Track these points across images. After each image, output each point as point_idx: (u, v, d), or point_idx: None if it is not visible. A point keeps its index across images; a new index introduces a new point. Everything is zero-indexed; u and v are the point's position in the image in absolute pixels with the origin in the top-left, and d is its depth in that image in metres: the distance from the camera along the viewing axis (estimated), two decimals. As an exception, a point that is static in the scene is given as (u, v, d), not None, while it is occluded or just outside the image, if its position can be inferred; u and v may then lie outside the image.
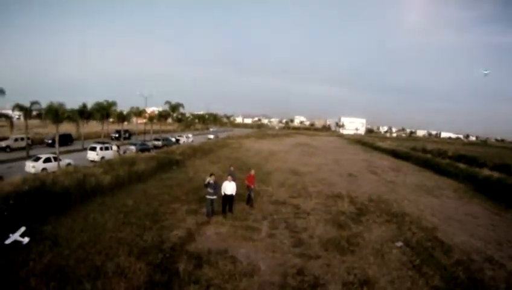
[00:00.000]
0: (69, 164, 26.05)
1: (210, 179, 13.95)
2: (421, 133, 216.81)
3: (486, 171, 31.55)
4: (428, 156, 47.52)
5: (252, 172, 17.11)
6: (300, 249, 11.37)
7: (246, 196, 16.58)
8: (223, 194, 14.28)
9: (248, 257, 10.32)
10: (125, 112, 58.20)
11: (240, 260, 10.01)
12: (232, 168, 18.37)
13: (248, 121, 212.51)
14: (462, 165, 36.43)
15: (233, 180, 15.10)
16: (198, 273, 8.88)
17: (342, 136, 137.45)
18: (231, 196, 14.51)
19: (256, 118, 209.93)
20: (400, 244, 12.55)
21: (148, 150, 36.91)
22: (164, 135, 56.14)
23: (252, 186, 16.44)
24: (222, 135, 76.91)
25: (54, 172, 19.27)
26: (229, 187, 14.40)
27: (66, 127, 41.08)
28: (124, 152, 34.37)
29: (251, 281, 8.74)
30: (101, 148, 31.39)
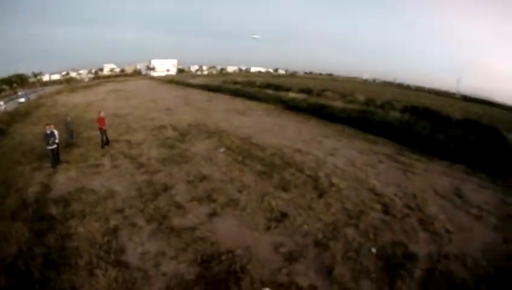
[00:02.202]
0: None
1: (48, 130, 14.84)
2: (231, 69, 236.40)
3: (292, 94, 38.75)
4: (238, 86, 53.71)
5: (101, 114, 18.26)
6: (144, 169, 13.79)
7: (99, 138, 18.23)
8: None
9: (103, 185, 12.11)
10: None
11: (97, 190, 11.70)
12: (69, 118, 19.23)
13: (56, 77, 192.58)
14: (270, 91, 43.38)
15: (71, 130, 18.04)
16: (70, 210, 10.17)
17: (153, 78, 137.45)
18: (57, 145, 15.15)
19: (64, 73, 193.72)
20: (222, 149, 16.02)
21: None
22: (-29, 109, 50.57)
23: (104, 128, 18.01)
24: (33, 97, 73.50)
25: None
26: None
27: None
28: None
29: (114, 200, 10.75)
30: None
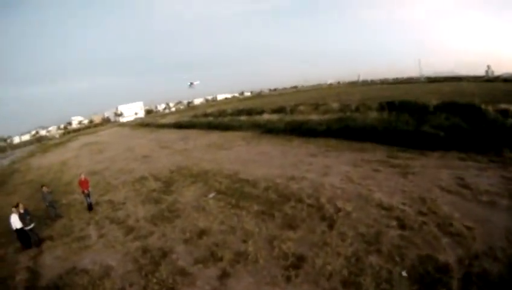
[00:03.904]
0: None
1: (17, 211, 13.94)
2: (198, 101, 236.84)
3: (266, 116, 38.58)
4: (210, 118, 53.34)
5: (83, 177, 17.76)
6: (134, 233, 12.87)
7: (84, 203, 17.60)
8: (14, 228, 13.81)
9: (95, 262, 11.19)
10: None
11: (90, 268, 10.83)
12: (45, 188, 17.64)
13: (26, 137, 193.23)
14: (243, 118, 43.17)
15: (51, 200, 16.96)
16: None
17: (123, 124, 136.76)
18: (21, 229, 13.89)
19: (33, 132, 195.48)
20: (212, 195, 15.24)
21: None
22: None
23: (87, 191, 17.33)
24: (6, 162, 71.39)
25: None
26: (16, 221, 13.76)
27: None
28: None
29: (111, 279, 9.84)
30: None
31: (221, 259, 9.42)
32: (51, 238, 14.45)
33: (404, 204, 10.75)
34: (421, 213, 9.99)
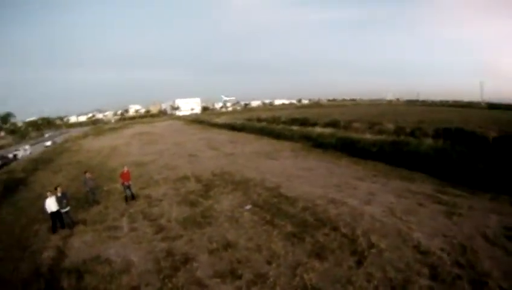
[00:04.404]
0: None
1: (52, 194, 14.58)
2: (255, 103, 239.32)
3: (319, 129, 38.08)
4: (264, 124, 53.68)
5: (125, 169, 18.42)
6: (163, 234, 13.00)
7: (124, 194, 18.22)
8: (49, 211, 14.47)
9: (119, 254, 11.55)
10: None
11: (113, 260, 11.17)
12: (87, 175, 18.45)
13: (83, 118, 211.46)
14: (295, 127, 42.90)
15: (92, 187, 17.89)
16: (82, 284, 9.86)
17: (178, 118, 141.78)
18: (57, 211, 14.57)
19: (90, 114, 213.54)
20: (248, 207, 14.94)
21: (-13, 174, 37.44)
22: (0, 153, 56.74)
23: (127, 183, 17.92)
24: (59, 139, 79.02)
25: None
26: (52, 203, 14.43)
27: None
28: None
29: (130, 275, 10.04)
30: None
31: (240, 277, 9.19)
32: (84, 222, 15.26)
33: (442, 250, 9.80)
34: (457, 264, 9.00)
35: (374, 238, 10.66)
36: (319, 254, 10.06)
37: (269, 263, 9.81)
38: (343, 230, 11.53)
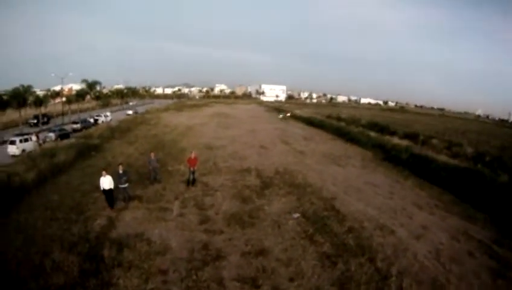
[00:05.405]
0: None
1: (120, 170, 15.65)
2: (341, 99, 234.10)
3: (395, 140, 36.35)
4: (342, 124, 52.62)
5: (193, 155, 19.09)
6: (206, 226, 13.61)
7: (186, 176, 19.21)
8: (102, 189, 15.40)
9: (161, 236, 12.45)
10: (41, 95, 60.61)
11: (154, 240, 12.08)
12: (152, 154, 19.49)
13: (168, 91, 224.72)
14: (373, 134, 41.62)
15: (155, 167, 19.00)
16: (120, 257, 10.78)
17: (261, 103, 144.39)
18: (109, 190, 15.39)
19: (176, 88, 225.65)
20: (296, 215, 14.81)
21: (67, 135, 40.64)
22: (82, 117, 59.06)
23: (193, 168, 18.71)
24: (141, 109, 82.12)
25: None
26: (106, 182, 15.23)
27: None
28: (44, 141, 36.30)
29: (164, 258, 10.87)
30: (20, 141, 31.77)
31: (258, 287, 9.42)
32: (140, 199, 16.36)
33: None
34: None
35: (406, 282, 10.01)
36: (343, 284, 9.77)
37: (292, 280, 9.85)
38: (379, 264, 11.00)
